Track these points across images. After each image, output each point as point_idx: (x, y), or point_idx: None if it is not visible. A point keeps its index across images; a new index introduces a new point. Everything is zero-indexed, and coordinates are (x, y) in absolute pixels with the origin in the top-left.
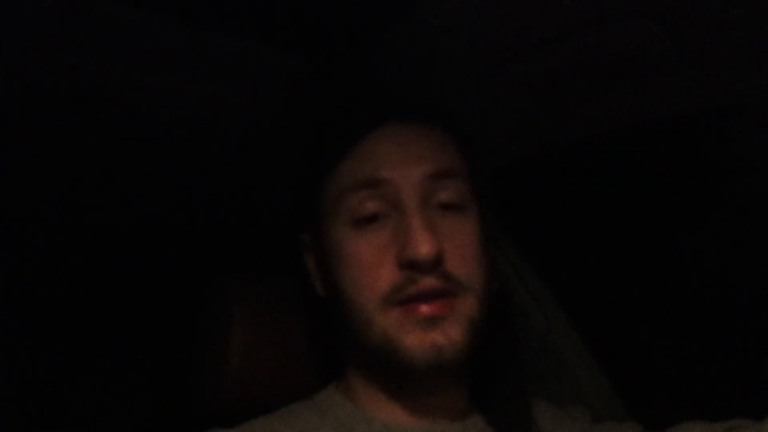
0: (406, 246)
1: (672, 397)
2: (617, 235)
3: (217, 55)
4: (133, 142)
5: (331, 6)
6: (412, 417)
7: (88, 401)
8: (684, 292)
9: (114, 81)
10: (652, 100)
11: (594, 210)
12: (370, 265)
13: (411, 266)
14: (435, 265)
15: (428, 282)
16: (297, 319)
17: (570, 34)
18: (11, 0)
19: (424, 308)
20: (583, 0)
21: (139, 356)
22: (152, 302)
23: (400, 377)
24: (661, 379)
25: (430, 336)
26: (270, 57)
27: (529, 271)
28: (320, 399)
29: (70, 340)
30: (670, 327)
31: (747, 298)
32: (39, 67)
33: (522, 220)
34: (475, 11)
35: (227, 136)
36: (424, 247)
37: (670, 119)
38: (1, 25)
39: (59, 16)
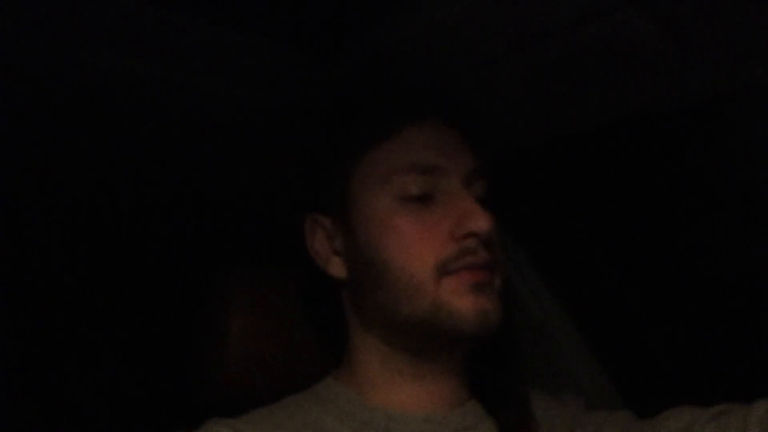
0: (465, 220)
1: (666, 385)
2: (612, 226)
3: (223, 49)
4: (140, 134)
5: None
6: (414, 404)
7: (87, 392)
8: (679, 282)
9: (121, 74)
10: (649, 91)
11: (588, 201)
12: (422, 236)
13: (469, 238)
14: (489, 239)
15: (485, 254)
16: (295, 308)
17: (566, 27)
18: None
19: (473, 275)
20: None
21: (140, 347)
22: (152, 293)
23: (436, 347)
24: (655, 368)
25: (480, 301)
26: (269, 49)
27: (525, 262)
28: (320, 389)
29: (70, 331)
30: (664, 316)
31: (740, 286)
32: (41, 60)
33: (517, 211)
34: (471, 5)
35: (230, 127)
36: (485, 221)
37: (668, 110)
38: (5, 18)
39: (63, 9)
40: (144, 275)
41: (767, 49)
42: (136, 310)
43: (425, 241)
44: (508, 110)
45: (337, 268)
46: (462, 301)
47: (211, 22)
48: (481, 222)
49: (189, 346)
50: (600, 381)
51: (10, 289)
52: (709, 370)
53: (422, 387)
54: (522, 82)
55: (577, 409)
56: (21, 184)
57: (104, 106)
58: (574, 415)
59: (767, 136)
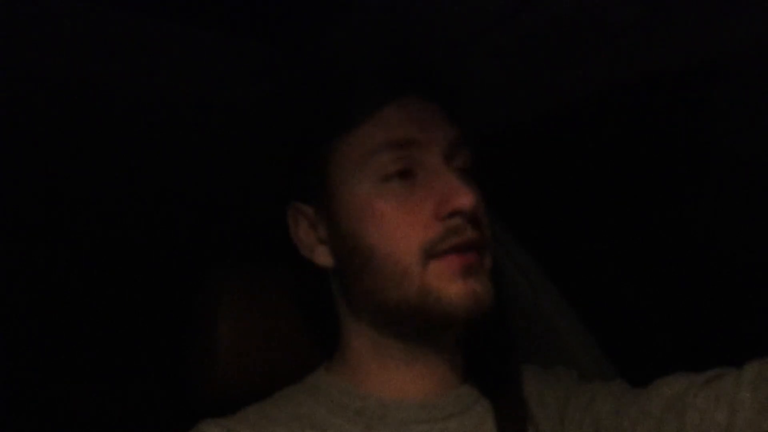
0: (448, 198)
1: (659, 354)
2: (601, 201)
3: (194, 48)
4: (117, 136)
5: None
6: (408, 390)
7: (80, 395)
8: (670, 250)
9: (97, 77)
10: (630, 60)
11: (575, 177)
12: (405, 218)
13: (453, 217)
14: (475, 216)
15: (472, 233)
16: (286, 301)
17: (537, 1)
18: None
19: (461, 259)
20: None
21: (131, 349)
22: (143, 295)
23: (427, 332)
24: (648, 337)
25: (470, 285)
26: (245, 46)
27: (513, 242)
28: (312, 381)
29: (62, 333)
30: (655, 286)
31: (734, 257)
32: (24, 65)
33: (503, 188)
34: None
35: (208, 123)
36: (468, 198)
37: (649, 81)
38: None
39: (38, 15)
40: (134, 275)
41: (741, 16)
42: (126, 310)
43: (409, 224)
44: (493, 85)
45: (323, 257)
46: (451, 287)
47: (178, 22)
48: (464, 198)
49: (181, 346)
50: (593, 352)
51: (6, 292)
52: (701, 338)
53: (416, 372)
54: (505, 55)
55: (570, 382)
56: (16, 188)
57: (85, 108)
58: (568, 388)
59: (750, 105)
